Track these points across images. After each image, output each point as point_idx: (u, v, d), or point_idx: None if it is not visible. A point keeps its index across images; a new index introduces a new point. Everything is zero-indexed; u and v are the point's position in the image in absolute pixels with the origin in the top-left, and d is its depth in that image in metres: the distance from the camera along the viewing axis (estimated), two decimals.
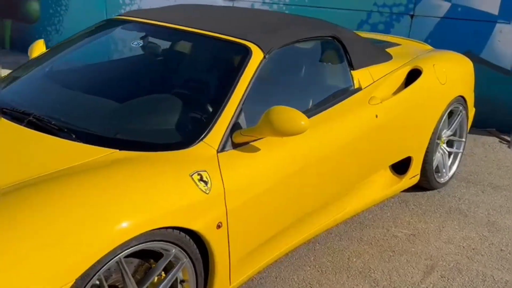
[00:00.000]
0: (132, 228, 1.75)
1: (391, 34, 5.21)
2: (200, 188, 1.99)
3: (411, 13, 5.47)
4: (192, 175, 1.99)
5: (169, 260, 1.96)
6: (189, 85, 2.58)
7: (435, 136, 3.58)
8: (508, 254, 3.07)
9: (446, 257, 3.02)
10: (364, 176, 3.06)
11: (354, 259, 2.94)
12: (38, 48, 3.12)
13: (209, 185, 2.02)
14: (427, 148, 3.56)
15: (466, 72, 3.91)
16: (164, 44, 2.91)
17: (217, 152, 2.18)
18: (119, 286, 1.87)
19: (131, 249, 1.78)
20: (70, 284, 1.59)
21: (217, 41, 2.65)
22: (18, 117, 2.29)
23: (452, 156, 4.01)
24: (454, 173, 4.02)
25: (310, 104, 2.78)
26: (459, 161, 4.07)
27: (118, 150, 2.08)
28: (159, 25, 2.83)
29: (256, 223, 2.32)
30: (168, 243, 1.91)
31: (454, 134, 3.95)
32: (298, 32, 2.91)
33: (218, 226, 2.08)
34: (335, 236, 3.17)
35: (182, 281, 2.09)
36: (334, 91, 2.97)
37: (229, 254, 2.21)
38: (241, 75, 2.43)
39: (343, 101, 2.91)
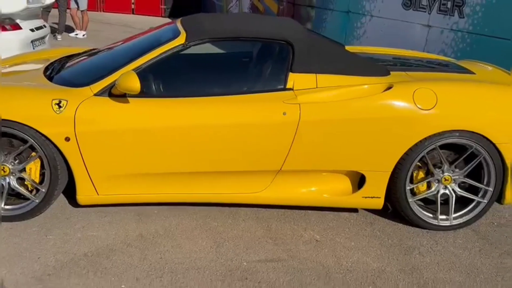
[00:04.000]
0: None
1: None
2: (52, 109, 3.07)
3: None
4: (53, 100, 3.10)
5: (26, 146, 3.14)
6: (128, 54, 3.56)
7: (408, 164, 3.33)
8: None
9: (304, 260, 3.04)
10: (265, 166, 3.30)
11: (232, 231, 3.33)
12: None
13: (61, 109, 3.08)
14: (394, 173, 3.38)
15: (503, 112, 3.35)
16: None
17: (93, 95, 3.18)
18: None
19: None
20: None
21: (174, 27, 3.57)
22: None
23: (473, 204, 3.51)
24: (466, 222, 3.51)
25: (219, 89, 3.34)
26: (482, 211, 3.50)
27: (49, 82, 3.38)
28: None
29: (116, 153, 3.16)
30: (26, 135, 3.09)
31: (478, 180, 3.46)
32: (243, 32, 3.48)
33: (67, 139, 3.10)
34: (249, 214, 3.54)
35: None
36: (259, 84, 3.38)
37: (86, 166, 3.19)
38: (153, 49, 3.31)
39: (257, 94, 3.31)
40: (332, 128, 3.26)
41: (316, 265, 3.01)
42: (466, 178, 3.48)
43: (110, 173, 3.25)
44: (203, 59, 3.48)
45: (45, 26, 7.76)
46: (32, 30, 7.16)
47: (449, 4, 6.07)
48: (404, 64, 4.13)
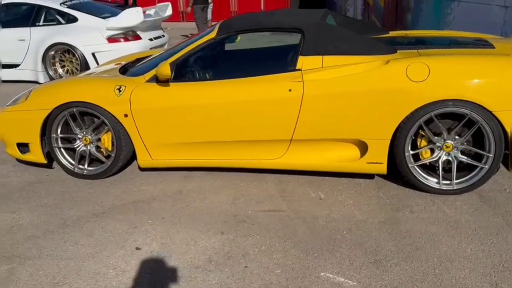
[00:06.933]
0: (65, 98, 4.14)
1: None
2: (114, 92, 4.09)
3: None
4: (115, 86, 4.12)
5: (99, 122, 4.20)
6: (178, 50, 4.43)
7: (405, 132, 3.70)
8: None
9: (301, 212, 3.63)
10: (279, 136, 3.90)
11: (252, 190, 4.03)
12: None
13: (121, 93, 4.08)
14: (393, 141, 3.78)
15: (500, 81, 3.56)
16: None
17: (145, 82, 4.14)
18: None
19: (75, 108, 4.18)
20: None
21: (214, 26, 4.38)
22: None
23: (477, 169, 3.76)
24: (469, 187, 3.76)
25: (242, 73, 4.06)
26: (484, 177, 3.73)
27: (120, 75, 4.44)
28: None
29: (161, 126, 4.05)
30: (98, 113, 4.16)
31: (480, 147, 3.71)
32: (262, 24, 4.16)
33: (125, 115, 4.10)
34: (273, 179, 4.19)
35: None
36: (274, 67, 4.02)
37: (141, 137, 4.16)
38: (192, 44, 4.18)
39: (274, 74, 3.95)
40: (333, 101, 3.78)
41: (308, 215, 3.57)
42: (466, 145, 3.73)
43: (159, 142, 4.16)
44: (232, 52, 4.23)
45: (163, 36, 9.14)
46: (150, 39, 8.54)
47: None
48: (426, 43, 4.42)
